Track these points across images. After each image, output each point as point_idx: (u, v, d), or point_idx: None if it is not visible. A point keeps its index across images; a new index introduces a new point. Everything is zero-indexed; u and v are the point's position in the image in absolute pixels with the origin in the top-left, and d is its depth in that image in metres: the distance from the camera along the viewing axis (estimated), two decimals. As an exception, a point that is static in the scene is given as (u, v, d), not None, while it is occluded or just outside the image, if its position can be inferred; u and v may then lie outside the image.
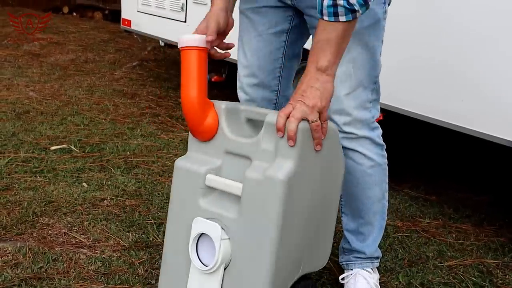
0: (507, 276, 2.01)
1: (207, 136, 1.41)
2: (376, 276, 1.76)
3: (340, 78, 1.53)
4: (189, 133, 1.45)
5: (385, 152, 1.68)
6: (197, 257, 1.38)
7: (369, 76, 1.57)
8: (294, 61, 1.73)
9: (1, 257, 1.88)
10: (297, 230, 1.37)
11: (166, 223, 1.50)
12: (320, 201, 1.46)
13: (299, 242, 1.40)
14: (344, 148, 1.62)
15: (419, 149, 3.28)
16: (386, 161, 1.69)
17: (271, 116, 1.32)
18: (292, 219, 1.32)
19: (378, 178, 1.68)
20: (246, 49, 1.68)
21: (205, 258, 1.37)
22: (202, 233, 1.36)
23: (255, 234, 1.30)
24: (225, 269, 1.36)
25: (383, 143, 1.67)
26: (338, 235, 2.22)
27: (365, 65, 1.55)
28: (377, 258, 1.78)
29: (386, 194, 1.74)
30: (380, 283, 1.80)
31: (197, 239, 1.38)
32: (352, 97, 1.56)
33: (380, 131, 1.66)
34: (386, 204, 1.76)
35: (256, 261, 1.30)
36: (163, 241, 2.06)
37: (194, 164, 1.41)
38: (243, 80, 1.71)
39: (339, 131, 1.58)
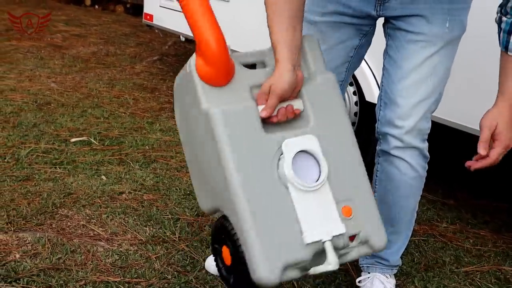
0: (525, 284, 1.99)
1: (230, 76, 1.34)
2: (393, 281, 1.75)
3: (416, 83, 1.52)
4: (200, 88, 1.35)
5: (427, 165, 1.66)
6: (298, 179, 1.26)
7: (439, 87, 1.55)
8: (351, 74, 1.71)
9: (21, 247, 1.91)
10: None
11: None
12: None
13: None
14: (391, 155, 1.60)
15: (438, 153, 3.25)
16: (426, 173, 1.66)
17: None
18: None
19: (416, 189, 1.66)
20: None
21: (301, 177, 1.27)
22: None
23: (333, 129, 1.34)
24: None
25: (429, 156, 1.64)
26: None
27: (441, 74, 1.54)
28: (397, 266, 1.77)
29: (417, 205, 1.72)
30: (395, 286, 1.79)
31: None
32: (422, 105, 1.54)
33: (427, 144, 1.63)
34: (415, 215, 1.74)
35: (346, 151, 1.34)
36: (179, 237, 2.08)
37: (235, 104, 1.31)
38: None
39: (397, 138, 1.56)
